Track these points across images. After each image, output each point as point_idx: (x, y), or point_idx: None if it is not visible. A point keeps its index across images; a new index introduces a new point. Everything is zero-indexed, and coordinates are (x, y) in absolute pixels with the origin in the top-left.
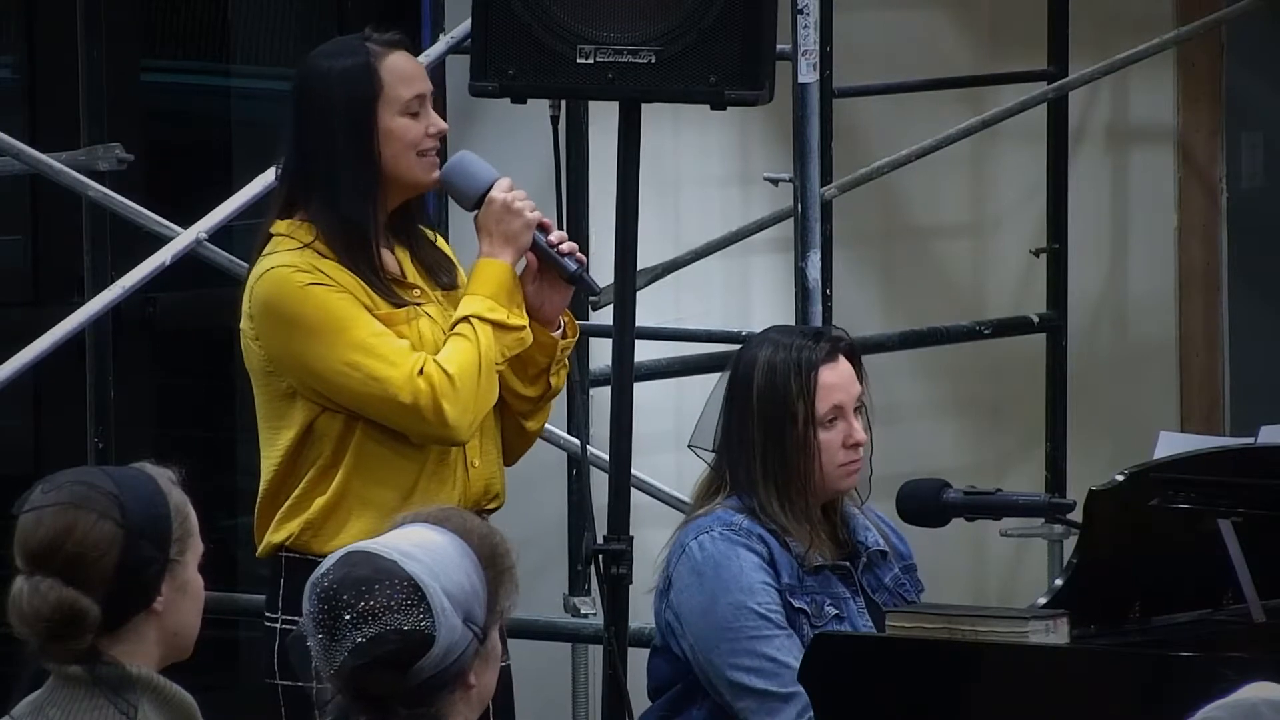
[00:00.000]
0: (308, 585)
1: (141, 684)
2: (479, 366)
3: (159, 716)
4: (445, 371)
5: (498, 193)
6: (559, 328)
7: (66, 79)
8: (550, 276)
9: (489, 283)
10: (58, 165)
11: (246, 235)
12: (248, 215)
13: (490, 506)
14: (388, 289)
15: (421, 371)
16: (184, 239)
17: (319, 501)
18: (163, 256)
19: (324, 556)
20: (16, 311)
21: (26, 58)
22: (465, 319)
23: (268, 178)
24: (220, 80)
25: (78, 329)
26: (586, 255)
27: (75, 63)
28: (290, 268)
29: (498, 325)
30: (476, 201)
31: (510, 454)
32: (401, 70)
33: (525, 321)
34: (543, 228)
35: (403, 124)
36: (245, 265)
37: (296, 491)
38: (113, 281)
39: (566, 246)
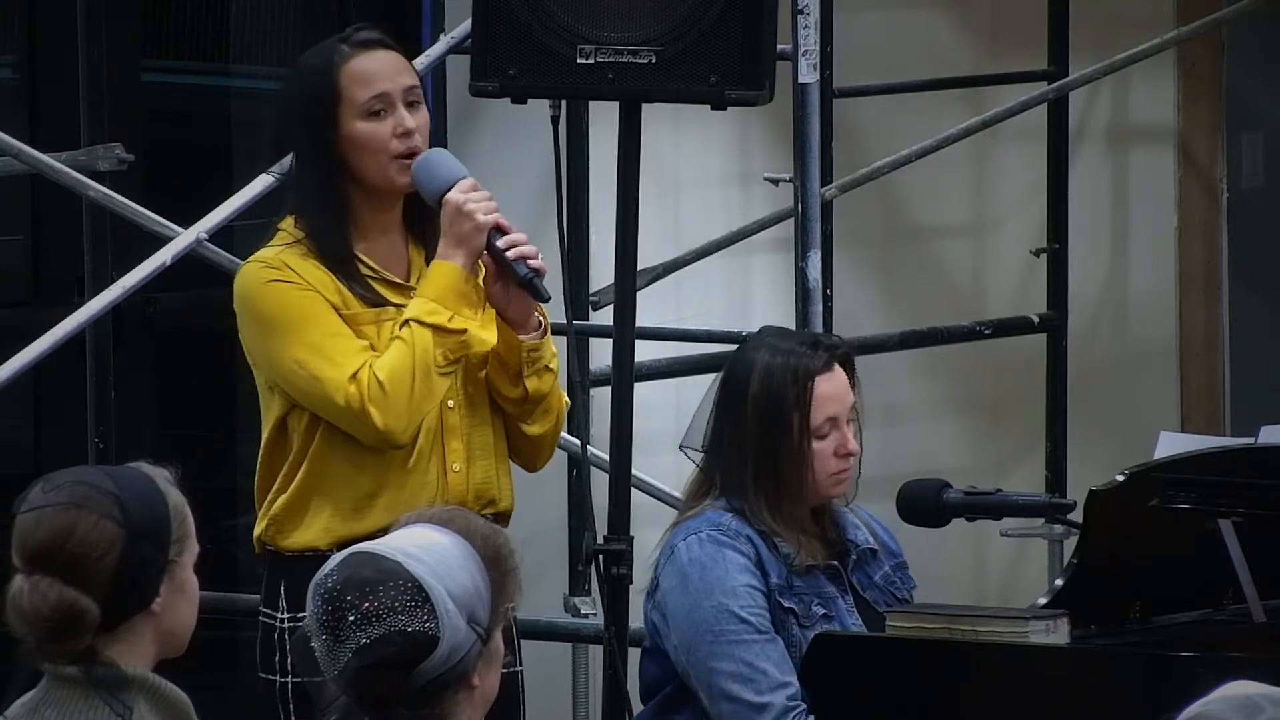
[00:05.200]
0: (311, 586)
1: (137, 684)
2: (412, 371)
3: (155, 717)
4: (377, 377)
5: (453, 194)
6: (538, 328)
7: (66, 79)
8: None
9: (434, 285)
10: (58, 165)
11: (247, 235)
12: (248, 215)
13: (484, 513)
14: (368, 288)
15: (355, 375)
16: (184, 239)
17: (282, 499)
18: (163, 256)
19: (290, 551)
20: (16, 312)
21: (26, 58)
22: (406, 322)
23: (268, 178)
24: (220, 80)
25: (78, 329)
26: (586, 255)
27: (75, 63)
28: (260, 263)
29: (437, 329)
30: (438, 201)
31: (522, 458)
32: (363, 72)
33: (470, 325)
34: (500, 229)
35: (364, 128)
36: None
37: (273, 488)
38: (113, 281)
39: (515, 252)
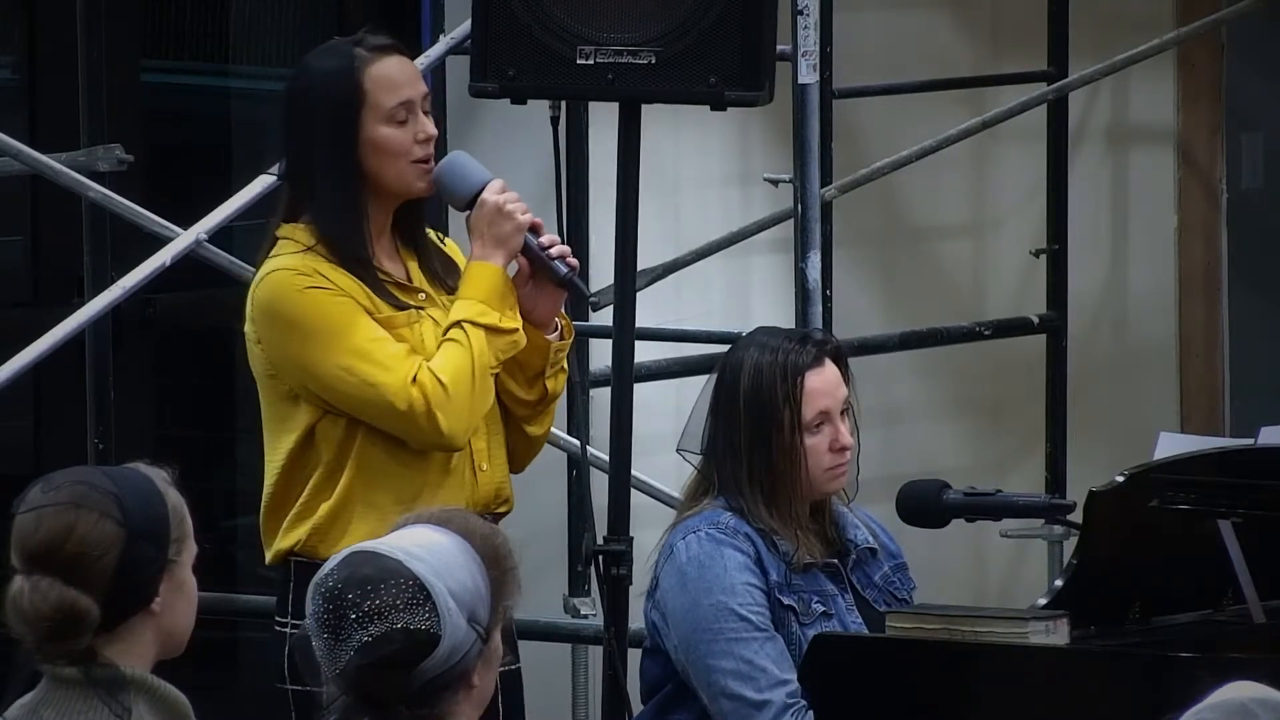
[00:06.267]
0: (311, 586)
1: (136, 685)
2: (472, 372)
3: (153, 717)
4: (439, 379)
5: (489, 195)
6: (555, 330)
7: (66, 79)
8: (542, 279)
9: (480, 286)
10: (58, 166)
11: (246, 236)
12: (248, 216)
13: (500, 510)
14: (388, 292)
15: (415, 379)
16: (184, 240)
17: (324, 506)
18: (163, 257)
19: None
20: (16, 312)
21: (26, 58)
22: (458, 324)
23: (268, 178)
24: (220, 80)
25: (78, 329)
26: (586, 255)
27: (75, 63)
28: (290, 271)
29: (490, 329)
30: (469, 203)
31: (515, 459)
32: (387, 77)
33: (519, 324)
34: (535, 230)
35: (387, 133)
36: (245, 266)
37: (303, 497)
38: (113, 282)
39: (556, 250)
